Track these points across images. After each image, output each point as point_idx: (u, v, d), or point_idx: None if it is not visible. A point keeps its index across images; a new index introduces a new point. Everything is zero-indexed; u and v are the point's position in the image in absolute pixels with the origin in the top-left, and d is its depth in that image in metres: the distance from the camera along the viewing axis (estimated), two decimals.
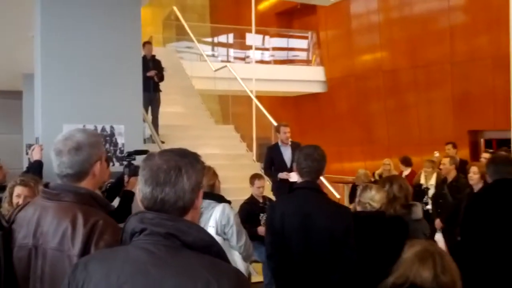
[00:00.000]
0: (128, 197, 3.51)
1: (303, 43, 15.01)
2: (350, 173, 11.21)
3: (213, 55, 13.21)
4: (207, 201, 3.26)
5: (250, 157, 8.10)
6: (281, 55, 15.06)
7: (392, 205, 3.16)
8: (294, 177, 5.95)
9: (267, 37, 14.82)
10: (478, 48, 10.91)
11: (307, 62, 14.90)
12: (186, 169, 1.30)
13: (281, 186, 5.85)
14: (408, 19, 12.17)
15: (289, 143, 6.25)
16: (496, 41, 10.58)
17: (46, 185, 1.82)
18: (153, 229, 1.25)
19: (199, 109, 9.33)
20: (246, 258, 3.38)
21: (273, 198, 5.94)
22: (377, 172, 8.38)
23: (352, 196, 7.17)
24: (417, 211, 3.22)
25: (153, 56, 7.83)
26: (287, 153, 6.18)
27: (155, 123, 7.55)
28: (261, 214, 4.98)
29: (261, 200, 5.11)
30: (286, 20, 15.40)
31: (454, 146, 7.75)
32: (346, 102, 13.85)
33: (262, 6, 15.15)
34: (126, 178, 3.65)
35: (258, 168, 7.82)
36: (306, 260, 2.68)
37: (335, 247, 2.65)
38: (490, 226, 2.91)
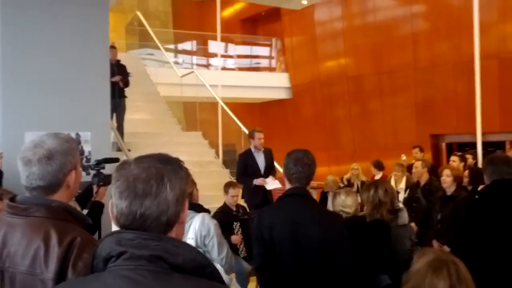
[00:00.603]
0: (97, 209, 3.31)
1: (268, 50, 15.00)
2: (315, 178, 11.19)
3: (176, 62, 12.99)
4: None
5: (219, 164, 7.95)
6: (246, 62, 15.01)
7: (378, 210, 3.05)
8: (270, 184, 5.87)
9: (232, 44, 14.72)
10: (440, 54, 11.15)
11: (272, 69, 14.90)
12: (169, 177, 1.12)
13: (254, 193, 5.73)
14: (372, 26, 12.34)
15: (262, 149, 6.15)
16: (457, 48, 10.85)
17: (13, 199, 1.60)
18: (134, 251, 1.05)
19: (165, 116, 9.12)
20: (228, 271, 3.20)
21: (245, 206, 5.82)
22: (345, 177, 8.38)
23: (321, 203, 7.12)
24: (404, 216, 3.16)
25: (118, 61, 7.59)
26: (260, 159, 6.08)
27: (120, 130, 7.30)
28: (235, 223, 4.84)
29: (234, 209, 4.97)
30: (250, 26, 15.37)
31: (421, 150, 7.85)
32: (311, 108, 13.90)
33: (227, 12, 15.06)
34: (94, 188, 3.45)
35: (227, 175, 7.69)
36: (297, 271, 2.54)
37: (328, 257, 2.50)
38: (491, 229, 2.85)
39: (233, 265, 3.23)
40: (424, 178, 5.67)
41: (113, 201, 1.12)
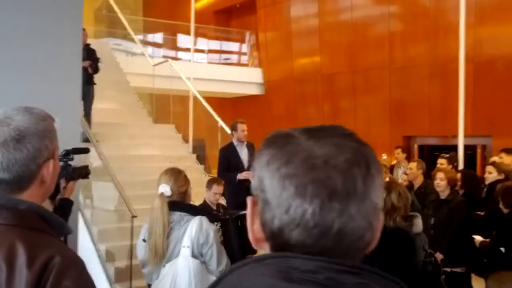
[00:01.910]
0: (65, 208, 2.85)
1: (241, 43, 14.67)
2: None
3: (142, 54, 12.46)
4: (178, 214, 2.67)
5: (193, 159, 7.56)
6: (219, 55, 14.63)
7: (391, 216, 2.74)
8: None
9: (205, 38, 14.30)
10: (416, 56, 11.11)
11: (245, 64, 14.58)
12: (377, 166, 0.71)
13: (239, 190, 5.39)
14: (348, 24, 12.19)
15: (245, 142, 5.84)
16: (433, 50, 10.83)
17: None
18: None
19: (136, 107, 8.64)
20: None
21: (225, 204, 5.47)
22: None
23: None
24: (418, 224, 2.86)
25: (87, 45, 7.09)
26: (243, 153, 5.76)
27: (87, 119, 6.81)
28: (215, 223, 4.48)
29: (215, 208, 4.61)
30: (224, 19, 14.99)
31: (403, 151, 7.70)
32: (283, 104, 13.67)
33: (200, 4, 14.63)
34: (62, 183, 2.98)
35: (201, 171, 7.32)
36: None
37: None
38: None
39: None
40: (419, 180, 5.38)
41: (271, 200, 0.68)
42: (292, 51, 13.27)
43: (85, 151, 3.60)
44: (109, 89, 8.35)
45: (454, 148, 7.98)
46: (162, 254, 2.58)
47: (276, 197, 0.68)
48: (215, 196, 4.46)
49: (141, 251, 2.72)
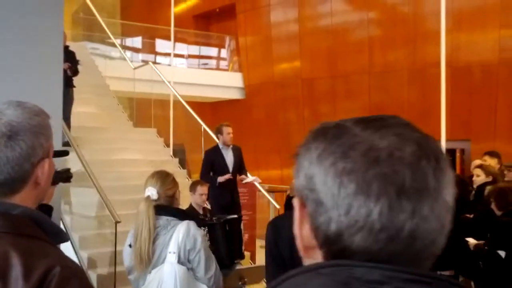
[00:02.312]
0: (46, 213, 2.76)
1: (221, 48, 14.61)
2: (266, 181, 10.95)
3: (121, 57, 12.27)
4: (164, 218, 2.57)
5: (175, 164, 7.45)
6: (199, 60, 14.54)
7: None
8: (250, 178, 5.53)
9: (184, 39, 14.19)
10: (395, 61, 11.23)
11: (225, 69, 14.53)
12: (444, 162, 0.63)
13: (222, 193, 5.32)
14: (328, 29, 12.26)
15: (231, 145, 5.79)
16: (411, 55, 10.96)
17: None
18: None
19: (116, 111, 8.49)
20: None
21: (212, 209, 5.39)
22: None
23: (287, 207, 6.85)
24: None
25: (67, 46, 6.93)
26: (229, 156, 5.71)
27: (67, 123, 6.63)
28: (202, 228, 4.39)
29: (201, 212, 4.51)
30: (203, 23, 14.90)
31: None
32: (264, 109, 13.65)
33: (179, 8, 14.52)
34: None
35: (184, 175, 7.22)
36: None
37: None
38: None
39: (222, 284, 2.73)
40: None
41: (325, 200, 0.60)
42: (273, 56, 13.28)
43: (65, 153, 3.48)
44: (88, 92, 8.18)
45: None
46: (147, 260, 2.48)
47: (332, 196, 0.60)
48: (201, 197, 4.36)
49: (127, 257, 2.64)
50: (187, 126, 12.27)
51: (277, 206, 6.57)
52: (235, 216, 3.86)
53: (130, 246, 2.59)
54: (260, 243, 7.65)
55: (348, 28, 11.96)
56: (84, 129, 7.18)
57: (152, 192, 2.58)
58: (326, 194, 0.60)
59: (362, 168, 0.59)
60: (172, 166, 7.16)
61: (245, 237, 5.29)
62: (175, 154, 7.88)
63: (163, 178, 2.65)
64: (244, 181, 5.89)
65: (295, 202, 0.66)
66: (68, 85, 6.74)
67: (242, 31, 13.94)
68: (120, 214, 4.87)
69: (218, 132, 5.92)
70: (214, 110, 14.61)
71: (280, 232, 2.02)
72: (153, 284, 2.45)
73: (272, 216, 8.76)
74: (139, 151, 7.15)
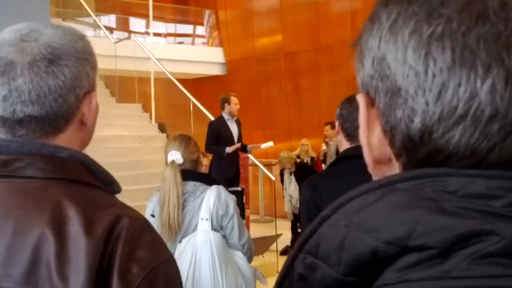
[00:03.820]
0: None
1: (201, 23, 14.30)
2: (260, 155, 10.91)
3: (97, 34, 11.85)
4: (191, 184, 2.41)
5: (163, 139, 7.27)
6: (178, 34, 14.21)
7: None
8: (263, 145, 5.43)
9: (163, 16, 13.82)
10: None
11: (205, 43, 14.25)
12: None
13: (228, 166, 5.19)
14: (309, 1, 12.09)
15: (235, 117, 5.70)
16: None
17: None
18: None
19: (97, 86, 8.18)
20: (250, 260, 2.52)
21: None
22: (295, 153, 8.06)
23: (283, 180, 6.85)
24: None
25: None
26: (234, 128, 5.60)
27: None
28: None
29: None
30: None
31: (333, 127, 7.81)
32: (246, 84, 13.47)
33: None
34: None
35: None
36: None
37: None
38: None
39: (253, 252, 2.58)
40: None
41: (404, 85, 0.44)
42: (254, 30, 13.05)
43: None
44: None
45: None
46: (177, 228, 2.32)
47: (414, 78, 0.43)
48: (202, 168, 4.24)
49: None
50: (169, 103, 12.04)
51: (273, 178, 6.49)
52: (239, 188, 3.75)
53: (152, 216, 2.44)
54: (252, 217, 7.61)
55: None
56: None
57: (176, 156, 2.42)
58: (405, 77, 0.44)
59: (461, 28, 0.41)
60: (160, 142, 6.98)
61: (247, 212, 5.23)
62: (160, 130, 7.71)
63: (186, 141, 2.49)
64: (262, 146, 5.85)
65: (360, 102, 0.51)
66: None
67: (221, 4, 13.64)
68: None
69: (225, 101, 5.76)
70: (195, 87, 14.33)
71: (318, 191, 1.89)
72: (187, 254, 2.30)
73: (261, 190, 8.71)
74: (125, 126, 6.94)
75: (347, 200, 0.46)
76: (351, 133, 1.92)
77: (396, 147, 0.46)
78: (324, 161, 7.65)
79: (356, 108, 1.67)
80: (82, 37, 0.90)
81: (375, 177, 0.51)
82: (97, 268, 0.72)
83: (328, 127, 7.77)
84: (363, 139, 0.50)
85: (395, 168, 0.48)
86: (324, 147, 7.74)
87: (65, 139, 0.85)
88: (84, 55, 0.87)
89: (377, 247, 0.40)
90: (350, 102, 1.96)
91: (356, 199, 0.45)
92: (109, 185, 0.89)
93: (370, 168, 0.51)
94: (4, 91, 0.79)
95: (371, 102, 0.49)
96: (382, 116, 0.47)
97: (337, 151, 7.57)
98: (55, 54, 0.82)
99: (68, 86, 0.83)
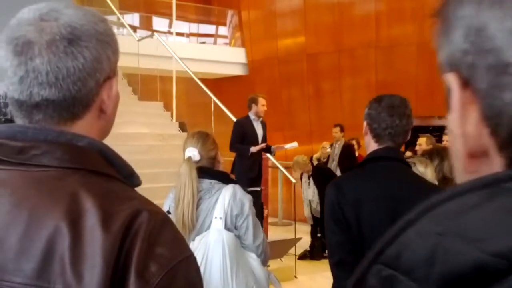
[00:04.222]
0: None
1: (224, 23, 14.30)
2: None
3: (122, 32, 11.90)
4: (207, 181, 2.35)
5: (184, 138, 7.26)
6: (201, 33, 14.24)
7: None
8: (287, 145, 5.46)
9: (185, 15, 13.87)
10: (403, 35, 10.99)
11: (227, 44, 14.24)
12: None
13: (251, 166, 5.16)
14: (333, 2, 11.98)
15: (261, 118, 5.70)
16: (420, 29, 10.71)
17: None
18: None
19: (120, 84, 8.18)
20: (264, 262, 2.43)
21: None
22: (315, 156, 7.96)
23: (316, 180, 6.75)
24: None
25: None
26: (259, 129, 5.60)
27: None
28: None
29: None
30: None
31: (342, 129, 7.74)
32: (267, 85, 13.41)
33: None
34: None
35: None
36: None
37: None
38: None
39: (269, 255, 2.50)
40: None
41: None
42: (277, 31, 12.99)
43: None
44: None
45: (440, 129, 7.88)
46: (191, 226, 2.26)
47: None
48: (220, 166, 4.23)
49: None
50: (191, 102, 12.05)
51: (293, 180, 6.42)
52: (258, 188, 3.68)
53: (169, 212, 2.40)
54: (270, 219, 7.54)
55: (354, 1, 11.68)
56: None
57: (193, 152, 2.37)
58: None
59: None
60: (181, 140, 6.97)
61: (265, 212, 5.16)
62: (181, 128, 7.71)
63: (204, 138, 2.44)
64: (286, 147, 5.90)
65: (450, 83, 0.43)
66: None
67: (245, 5, 13.62)
68: None
69: (253, 101, 5.78)
70: (216, 87, 14.35)
71: (344, 193, 1.82)
72: (199, 252, 2.23)
73: (280, 192, 8.64)
74: (146, 124, 6.95)
75: (436, 203, 0.39)
76: (380, 133, 1.86)
77: (501, 138, 0.39)
78: (326, 163, 7.54)
79: (386, 108, 1.55)
80: (104, 20, 0.84)
81: (465, 174, 0.43)
82: (114, 265, 0.67)
83: (337, 129, 7.68)
84: (456, 129, 0.43)
85: (494, 164, 0.41)
86: (328, 149, 7.66)
87: (83, 127, 0.80)
88: (105, 38, 0.81)
89: (483, 260, 0.32)
90: (379, 102, 1.90)
91: (448, 202, 0.38)
92: (129, 178, 0.84)
93: (459, 163, 0.44)
94: (21, 72, 0.74)
95: (465, 82, 0.41)
96: (483, 99, 0.40)
97: (342, 152, 7.45)
98: (75, 34, 0.76)
99: (87, 69, 0.77)
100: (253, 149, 5.28)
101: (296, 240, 5.83)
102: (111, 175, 0.78)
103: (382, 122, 1.85)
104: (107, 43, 0.81)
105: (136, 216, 0.71)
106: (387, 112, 1.85)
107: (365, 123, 1.93)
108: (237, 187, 2.38)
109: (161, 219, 0.75)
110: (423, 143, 5.33)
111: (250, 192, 3.81)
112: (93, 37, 0.78)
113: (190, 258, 0.77)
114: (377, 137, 1.88)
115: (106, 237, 0.68)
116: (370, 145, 1.92)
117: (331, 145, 7.95)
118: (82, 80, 0.77)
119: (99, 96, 0.81)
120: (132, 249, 0.69)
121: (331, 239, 1.84)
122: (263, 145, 5.32)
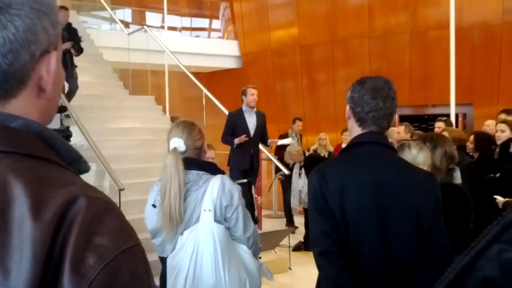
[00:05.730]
0: None
1: (216, 16, 14.21)
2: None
3: (113, 28, 11.78)
4: (194, 173, 2.25)
5: None
6: (194, 27, 14.14)
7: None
8: (281, 140, 5.49)
9: (177, 8, 13.76)
10: (396, 24, 10.93)
11: (220, 37, 14.16)
12: None
13: (242, 156, 5.15)
14: None
15: (255, 109, 5.68)
16: (413, 18, 10.66)
17: None
18: None
19: (111, 79, 8.18)
20: (255, 254, 2.34)
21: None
22: (312, 147, 7.92)
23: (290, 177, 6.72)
24: (458, 177, 2.63)
25: (69, 24, 6.51)
26: (251, 120, 5.58)
27: (68, 98, 6.32)
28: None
29: None
30: None
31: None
32: (261, 78, 13.35)
33: None
34: None
35: None
36: (382, 256, 1.72)
37: (423, 234, 1.72)
38: None
39: (260, 246, 2.40)
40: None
41: None
42: (269, 23, 12.92)
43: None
44: (82, 61, 7.84)
45: (434, 117, 7.86)
46: (178, 219, 2.17)
47: None
48: (205, 156, 4.17)
49: (152, 218, 2.29)
50: (183, 96, 11.98)
51: (287, 172, 6.38)
52: (244, 180, 3.58)
53: (154, 206, 2.33)
54: (265, 212, 7.51)
55: None
56: (80, 97, 6.88)
57: (179, 143, 2.27)
58: None
59: None
60: None
61: (259, 200, 5.12)
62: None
63: (190, 127, 2.32)
64: (279, 143, 5.90)
65: None
66: (72, 65, 6.41)
67: None
68: (124, 183, 4.66)
69: (243, 93, 5.79)
70: (210, 80, 14.29)
71: (327, 181, 1.74)
72: (188, 247, 2.16)
73: (275, 184, 8.60)
74: (138, 119, 6.89)
75: None
76: (363, 117, 1.78)
77: None
78: (324, 158, 7.54)
79: (370, 91, 1.48)
80: None
81: None
82: (45, 258, 0.59)
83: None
84: None
85: None
86: (325, 140, 7.67)
87: (18, 107, 0.71)
88: (41, 7, 0.72)
89: None
90: (362, 84, 1.81)
91: None
92: (74, 163, 0.75)
93: None
94: None
95: None
96: None
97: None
98: (3, 1, 0.68)
99: (20, 40, 0.68)
100: (236, 140, 5.31)
101: (288, 231, 5.80)
102: (49, 159, 0.69)
103: (365, 105, 1.77)
104: (43, 13, 0.72)
105: (72, 203, 0.63)
106: (370, 94, 1.76)
107: (348, 107, 1.84)
108: (226, 178, 2.28)
109: (103, 206, 0.66)
110: (401, 131, 5.32)
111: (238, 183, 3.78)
112: (26, 4, 0.69)
113: (136, 248, 0.67)
114: (360, 121, 1.80)
115: (37, 227, 0.59)
116: (353, 129, 1.84)
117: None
118: (14, 52, 0.68)
119: (36, 72, 0.72)
120: (67, 240, 0.60)
121: (315, 228, 1.76)
122: (243, 136, 5.32)
